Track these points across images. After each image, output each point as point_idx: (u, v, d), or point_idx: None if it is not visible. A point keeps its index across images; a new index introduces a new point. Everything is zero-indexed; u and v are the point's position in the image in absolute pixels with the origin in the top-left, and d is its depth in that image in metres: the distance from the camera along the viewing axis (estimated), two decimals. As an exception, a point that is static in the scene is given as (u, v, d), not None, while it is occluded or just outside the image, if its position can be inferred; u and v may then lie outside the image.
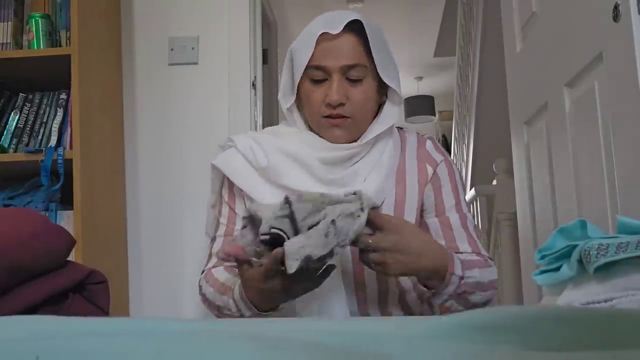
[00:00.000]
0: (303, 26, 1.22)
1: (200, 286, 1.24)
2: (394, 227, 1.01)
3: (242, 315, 1.09)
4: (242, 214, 1.22)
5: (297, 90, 1.20)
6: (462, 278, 1.08)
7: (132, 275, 2.17)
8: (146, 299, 2.16)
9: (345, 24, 1.13)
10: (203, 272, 1.26)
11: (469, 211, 1.28)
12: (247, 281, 1.03)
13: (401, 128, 1.32)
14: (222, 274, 1.20)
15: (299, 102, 1.23)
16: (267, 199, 1.17)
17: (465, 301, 1.11)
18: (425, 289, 1.10)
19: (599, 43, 1.38)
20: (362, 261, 1.02)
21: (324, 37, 1.13)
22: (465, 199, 1.29)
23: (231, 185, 1.27)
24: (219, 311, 1.17)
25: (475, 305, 1.13)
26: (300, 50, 1.16)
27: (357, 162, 1.20)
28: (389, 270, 1.01)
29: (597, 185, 1.42)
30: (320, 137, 1.20)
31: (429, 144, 1.28)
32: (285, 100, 1.22)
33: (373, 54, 1.15)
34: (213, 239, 1.28)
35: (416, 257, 1.02)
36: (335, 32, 1.13)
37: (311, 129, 1.23)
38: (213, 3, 2.28)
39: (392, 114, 1.22)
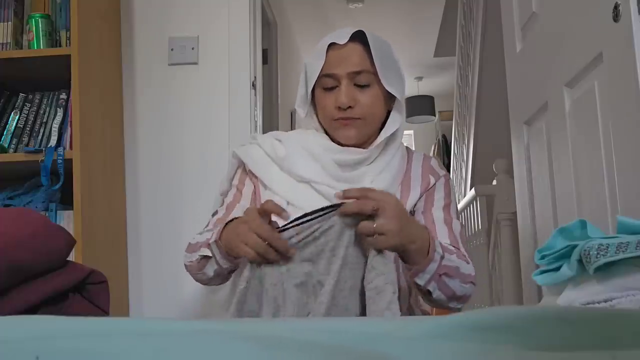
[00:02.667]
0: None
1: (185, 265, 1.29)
2: (390, 208, 1.03)
3: (217, 263, 1.15)
4: (248, 194, 1.32)
5: (312, 99, 1.32)
6: (442, 257, 1.12)
7: (132, 275, 2.17)
8: (146, 299, 2.16)
9: (350, 34, 1.24)
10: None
11: (460, 221, 1.36)
12: (248, 216, 1.06)
13: (407, 147, 1.44)
14: (199, 234, 1.27)
15: (315, 110, 1.34)
16: (279, 185, 1.27)
17: (446, 286, 1.15)
18: (408, 269, 1.14)
19: (599, 43, 1.38)
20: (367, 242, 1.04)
21: (332, 47, 1.25)
22: (457, 211, 1.36)
23: (244, 172, 1.36)
24: (198, 271, 1.22)
25: (454, 296, 1.17)
26: (312, 62, 1.27)
27: (367, 165, 1.30)
28: (388, 243, 1.03)
29: (597, 185, 1.42)
30: (333, 140, 1.31)
31: (433, 161, 1.40)
32: (302, 109, 1.34)
33: (374, 59, 1.24)
34: (215, 213, 1.34)
35: (408, 234, 1.06)
36: (342, 42, 1.24)
37: (326, 133, 1.33)
38: (213, 3, 2.28)
39: (395, 120, 1.32)
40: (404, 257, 1.11)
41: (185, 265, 1.26)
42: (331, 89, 1.26)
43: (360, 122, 1.27)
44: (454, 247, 1.25)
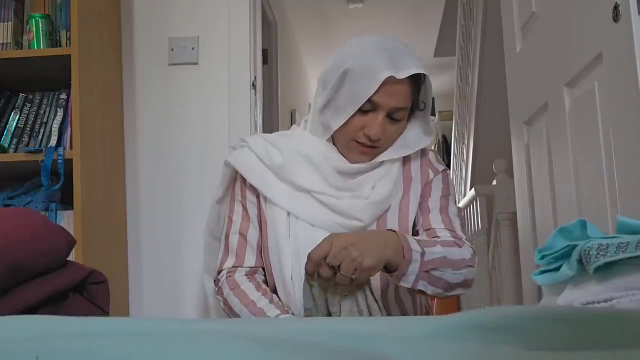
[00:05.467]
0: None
1: (219, 287, 1.28)
2: (332, 238, 1.06)
3: None
4: (253, 211, 1.30)
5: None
6: (423, 253, 1.11)
7: (132, 275, 2.17)
8: (146, 299, 2.16)
9: (411, 73, 1.17)
10: (221, 271, 1.30)
11: (459, 212, 1.34)
12: None
13: None
14: (252, 290, 1.23)
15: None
16: (279, 196, 1.25)
17: (437, 280, 1.14)
18: (390, 276, 1.12)
19: (599, 43, 1.38)
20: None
21: (387, 78, 1.16)
22: (455, 203, 1.34)
23: (244, 183, 1.32)
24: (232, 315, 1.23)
25: (450, 286, 1.16)
26: (360, 83, 1.17)
27: (367, 172, 1.27)
28: (345, 271, 1.03)
29: (597, 185, 1.42)
30: (339, 151, 1.27)
31: (431, 155, 1.37)
32: (319, 115, 1.25)
33: (427, 104, 1.27)
34: (227, 236, 1.32)
35: (367, 247, 1.04)
36: (400, 77, 1.16)
37: (332, 141, 1.28)
38: (213, 3, 2.28)
39: (422, 141, 1.30)
40: (386, 267, 1.10)
41: (225, 299, 1.25)
42: (366, 112, 1.20)
43: (378, 150, 1.25)
44: (447, 230, 1.26)
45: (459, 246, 1.21)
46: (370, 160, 1.26)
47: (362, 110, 1.19)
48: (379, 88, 1.16)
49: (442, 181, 1.33)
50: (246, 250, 1.28)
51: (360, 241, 1.04)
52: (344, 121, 1.20)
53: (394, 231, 1.13)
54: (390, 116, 1.21)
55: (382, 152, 1.26)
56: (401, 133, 1.28)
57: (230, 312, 1.23)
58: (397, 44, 1.22)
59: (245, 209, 1.31)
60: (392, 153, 1.27)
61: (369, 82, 1.16)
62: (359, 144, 1.23)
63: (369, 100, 1.17)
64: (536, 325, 0.46)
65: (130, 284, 2.16)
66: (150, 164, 2.23)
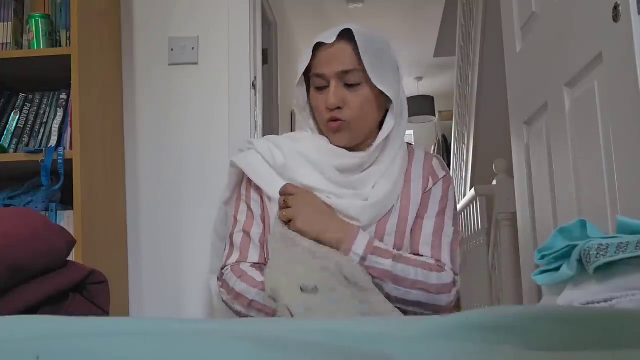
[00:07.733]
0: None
1: (224, 280, 1.27)
2: (303, 190, 1.21)
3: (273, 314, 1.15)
4: (257, 210, 1.32)
5: (309, 99, 1.31)
6: (363, 259, 1.15)
7: (132, 275, 2.17)
8: (146, 299, 2.16)
9: (337, 33, 1.23)
10: (225, 267, 1.30)
11: (456, 226, 1.31)
12: None
13: (410, 144, 1.41)
14: (259, 275, 1.24)
15: (312, 110, 1.33)
16: None
17: (380, 289, 1.16)
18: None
19: (599, 43, 1.38)
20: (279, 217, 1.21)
21: (321, 47, 1.23)
22: (453, 215, 1.31)
23: (249, 183, 1.34)
24: (245, 306, 1.21)
25: (407, 301, 1.18)
26: (301, 61, 1.27)
27: (367, 168, 1.28)
28: (297, 222, 1.17)
29: (597, 185, 1.42)
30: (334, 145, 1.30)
31: (435, 161, 1.36)
32: (297, 109, 1.34)
33: (362, 56, 1.21)
34: (231, 235, 1.33)
35: (321, 217, 1.18)
36: (329, 41, 1.23)
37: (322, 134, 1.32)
38: (213, 3, 2.28)
39: (388, 122, 1.28)
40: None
41: (232, 288, 1.24)
42: (322, 89, 1.24)
43: (347, 125, 1.24)
44: (432, 258, 1.24)
45: (429, 271, 1.20)
46: (350, 139, 1.27)
47: (320, 89, 1.25)
48: (319, 59, 1.23)
49: (442, 190, 1.31)
50: (250, 247, 1.29)
51: (309, 212, 1.18)
52: (298, 103, 1.29)
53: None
54: (346, 83, 1.23)
55: (359, 128, 1.26)
56: (382, 110, 1.28)
57: (236, 300, 1.22)
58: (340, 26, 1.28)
59: (249, 207, 1.33)
60: (380, 136, 1.26)
61: (306, 58, 1.24)
62: (329, 123, 1.25)
63: (317, 75, 1.24)
64: (536, 325, 0.46)
65: (130, 284, 2.16)
66: (150, 164, 2.23)
